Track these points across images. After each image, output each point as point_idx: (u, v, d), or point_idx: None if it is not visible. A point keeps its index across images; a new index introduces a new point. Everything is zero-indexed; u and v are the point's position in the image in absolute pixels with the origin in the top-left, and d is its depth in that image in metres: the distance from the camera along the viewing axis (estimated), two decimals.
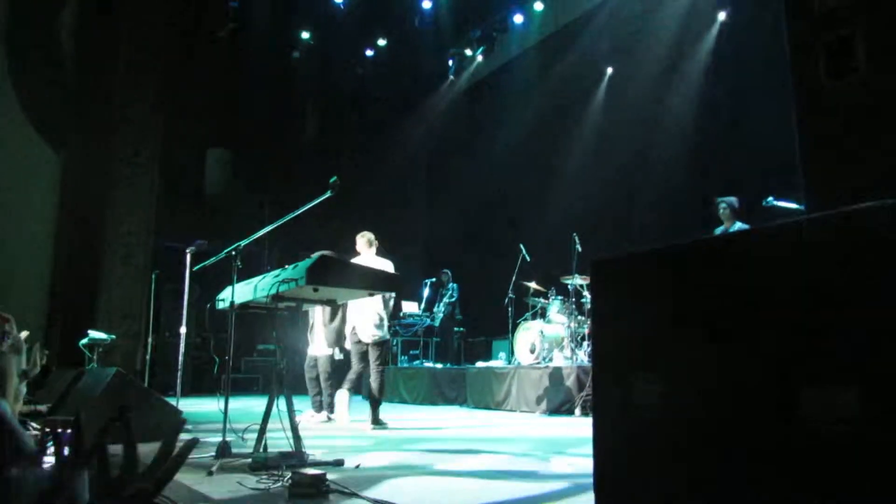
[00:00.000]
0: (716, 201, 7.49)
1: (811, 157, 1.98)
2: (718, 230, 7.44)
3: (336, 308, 6.76)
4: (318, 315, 7.37)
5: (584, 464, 3.96)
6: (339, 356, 7.28)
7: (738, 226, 7.27)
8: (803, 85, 2.17)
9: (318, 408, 7.41)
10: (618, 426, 1.88)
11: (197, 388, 11.37)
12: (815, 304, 1.37)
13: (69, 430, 2.02)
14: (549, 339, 9.43)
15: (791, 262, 1.44)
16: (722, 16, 10.39)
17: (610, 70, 12.46)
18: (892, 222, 1.21)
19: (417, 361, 12.30)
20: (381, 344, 6.91)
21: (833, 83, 2.06)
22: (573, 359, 8.84)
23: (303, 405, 7.03)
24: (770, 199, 5.47)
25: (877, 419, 1.22)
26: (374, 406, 6.65)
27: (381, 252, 7.27)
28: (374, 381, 6.73)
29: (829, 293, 1.34)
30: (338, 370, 7.42)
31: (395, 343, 12.42)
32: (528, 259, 10.25)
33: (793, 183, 2.47)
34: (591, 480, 1.97)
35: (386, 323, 7.02)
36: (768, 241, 1.52)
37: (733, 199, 7.37)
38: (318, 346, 7.40)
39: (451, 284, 12.59)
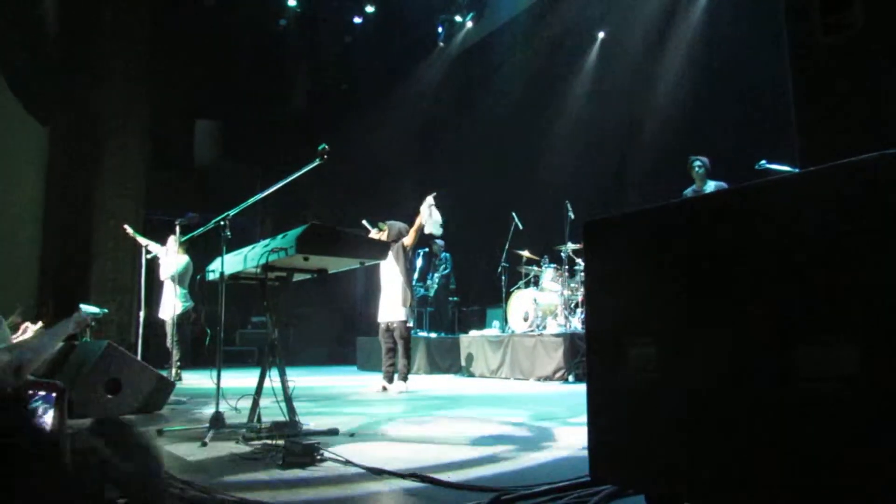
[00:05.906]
0: (690, 160, 7.45)
1: (806, 114, 1.95)
2: (688, 190, 7.41)
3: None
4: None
5: (580, 431, 3.98)
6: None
7: (712, 185, 7.27)
8: (797, 42, 2.13)
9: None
10: (613, 391, 1.86)
11: (195, 361, 11.36)
12: (812, 261, 1.34)
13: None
14: (542, 306, 9.44)
15: (788, 217, 1.40)
16: None
17: (601, 35, 12.31)
18: (891, 174, 1.18)
19: (412, 331, 12.29)
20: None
21: (828, 40, 2.01)
22: (566, 326, 8.87)
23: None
24: (763, 162, 5.42)
25: (876, 377, 1.20)
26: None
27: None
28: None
29: (827, 248, 1.31)
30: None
31: None
32: (520, 227, 10.21)
33: (787, 146, 2.43)
34: (585, 447, 1.96)
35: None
36: (764, 197, 1.49)
37: (706, 159, 7.39)
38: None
39: (443, 254, 12.52)
